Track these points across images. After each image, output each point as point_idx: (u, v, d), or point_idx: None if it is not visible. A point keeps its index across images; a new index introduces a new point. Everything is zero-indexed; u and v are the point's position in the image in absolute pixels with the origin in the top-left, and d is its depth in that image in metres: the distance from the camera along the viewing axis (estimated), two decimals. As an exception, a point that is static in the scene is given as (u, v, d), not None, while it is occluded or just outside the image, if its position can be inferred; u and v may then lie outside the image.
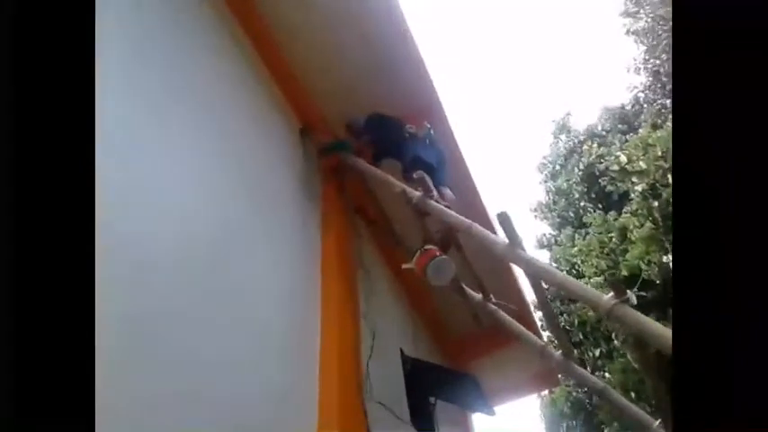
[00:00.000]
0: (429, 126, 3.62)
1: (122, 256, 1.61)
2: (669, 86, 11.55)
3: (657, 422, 2.11)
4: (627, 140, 10.02)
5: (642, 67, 12.61)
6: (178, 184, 2.12)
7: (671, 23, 10.77)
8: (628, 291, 1.76)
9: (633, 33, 12.71)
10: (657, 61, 11.97)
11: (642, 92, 12.71)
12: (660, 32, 11.79)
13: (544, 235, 12.66)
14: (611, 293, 1.78)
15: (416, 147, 3.46)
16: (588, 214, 10.07)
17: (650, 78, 12.38)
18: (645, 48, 12.43)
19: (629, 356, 6.98)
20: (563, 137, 14.03)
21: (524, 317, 4.84)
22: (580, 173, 11.76)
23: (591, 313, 7.78)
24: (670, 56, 11.30)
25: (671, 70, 11.24)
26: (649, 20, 12.02)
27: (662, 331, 1.69)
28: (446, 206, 2.89)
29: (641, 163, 7.15)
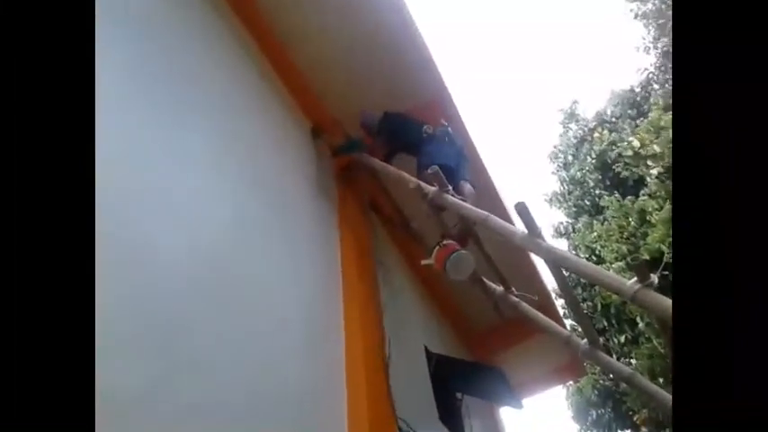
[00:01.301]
0: (446, 124, 3.58)
1: (141, 261, 1.63)
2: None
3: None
4: (637, 125, 9.90)
5: (651, 46, 12.45)
6: (194, 189, 2.14)
7: (678, 1, 10.62)
8: (651, 274, 1.74)
9: (642, 17, 12.57)
10: (667, 39, 11.81)
11: (652, 72, 12.56)
12: (669, 12, 11.63)
13: (561, 224, 12.58)
14: (635, 278, 1.77)
15: (435, 148, 3.41)
16: (604, 199, 9.96)
17: (660, 58, 12.22)
18: (654, 29, 12.28)
19: (654, 342, 6.89)
20: (572, 125, 13.92)
21: (547, 306, 4.82)
22: (593, 161, 11.65)
23: (614, 296, 7.70)
24: (678, 33, 11.14)
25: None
26: (657, 2, 11.86)
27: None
28: (462, 200, 2.88)
29: (655, 146, 7.06)
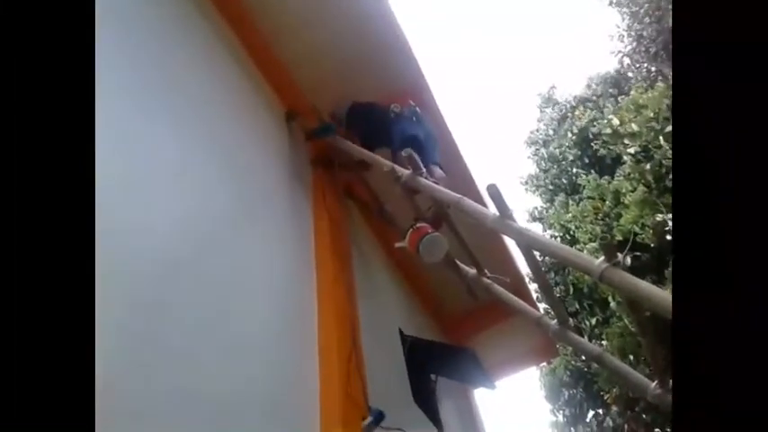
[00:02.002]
0: (413, 104, 3.60)
1: (112, 254, 1.60)
2: (653, 50, 11.56)
3: (654, 383, 2.14)
4: (618, 102, 9.97)
5: (626, 33, 12.61)
6: (165, 178, 2.10)
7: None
8: (619, 253, 1.76)
9: (616, 5, 12.71)
10: (640, 26, 11.96)
11: (627, 55, 12.71)
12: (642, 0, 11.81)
13: (536, 208, 12.70)
14: (603, 257, 1.79)
15: (404, 125, 3.45)
16: (582, 178, 10.05)
17: (634, 43, 12.37)
18: (627, 16, 12.44)
19: (625, 320, 7.04)
20: (549, 109, 14.02)
21: (520, 289, 4.88)
22: (573, 137, 11.69)
23: (586, 279, 7.83)
24: (653, 20, 11.30)
25: (654, 34, 11.24)
26: (631, -11, 12.02)
27: (655, 293, 1.70)
28: (435, 182, 2.88)
29: (633, 125, 7.13)
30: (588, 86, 13.76)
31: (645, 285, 1.72)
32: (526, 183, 13.27)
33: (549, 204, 12.06)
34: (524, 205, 14.15)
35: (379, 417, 2.44)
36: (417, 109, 3.58)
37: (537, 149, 13.44)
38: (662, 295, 1.64)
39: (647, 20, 11.64)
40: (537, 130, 13.99)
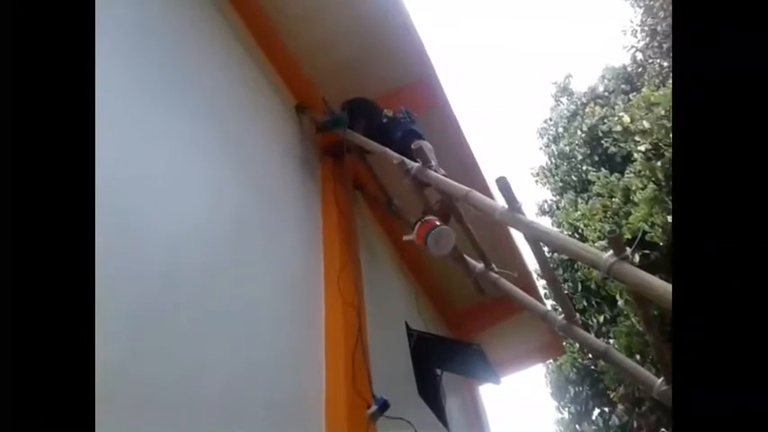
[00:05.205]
0: (404, 108, 3.60)
1: (122, 244, 1.62)
2: (666, 45, 11.44)
3: (660, 380, 2.13)
4: (630, 100, 9.89)
5: (639, 28, 12.49)
6: (176, 170, 2.13)
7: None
8: (627, 248, 1.75)
9: (629, -2, 12.61)
10: (653, 21, 11.84)
11: (639, 51, 12.58)
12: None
13: (545, 201, 12.61)
14: (611, 251, 1.78)
15: (401, 124, 3.46)
16: (592, 175, 9.97)
17: (647, 38, 12.25)
18: (641, 10, 12.32)
19: (632, 320, 7.00)
20: (564, 99, 13.84)
21: (527, 285, 4.87)
22: (583, 135, 11.58)
23: (595, 274, 7.78)
24: (667, 14, 11.19)
25: (668, 29, 11.12)
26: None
27: (663, 287, 1.69)
28: (444, 175, 2.88)
29: (644, 122, 7.04)
30: (603, 77, 13.58)
31: (653, 279, 1.71)
32: (537, 174, 13.15)
33: (559, 197, 11.97)
34: (534, 198, 14.01)
35: (383, 405, 2.45)
36: (409, 112, 3.59)
37: (548, 143, 13.32)
38: (669, 289, 1.63)
39: (661, 14, 11.52)
40: (550, 119, 13.82)
